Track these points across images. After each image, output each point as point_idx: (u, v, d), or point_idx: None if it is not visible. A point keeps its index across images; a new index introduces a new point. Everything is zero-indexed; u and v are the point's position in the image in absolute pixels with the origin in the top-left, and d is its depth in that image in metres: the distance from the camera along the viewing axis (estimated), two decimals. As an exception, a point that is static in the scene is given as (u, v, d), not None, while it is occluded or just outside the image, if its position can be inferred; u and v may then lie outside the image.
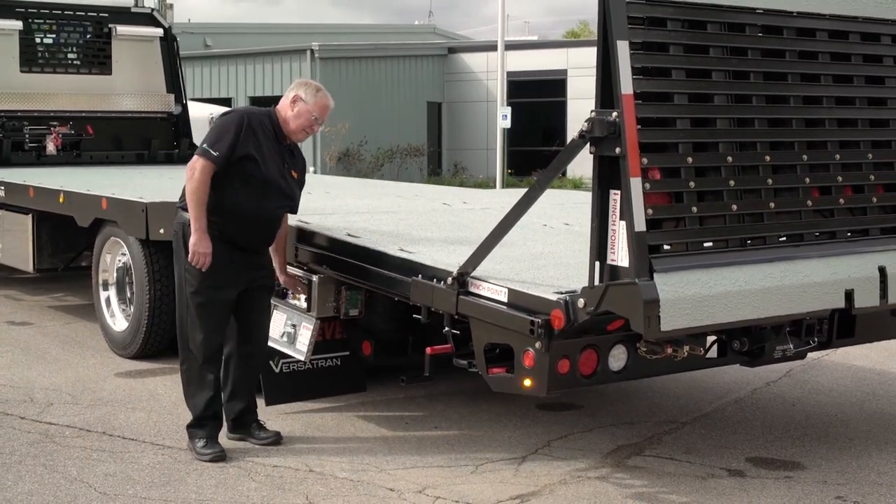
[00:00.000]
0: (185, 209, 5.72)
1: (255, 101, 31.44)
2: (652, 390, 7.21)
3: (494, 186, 31.36)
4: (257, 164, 5.66)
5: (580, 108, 32.94)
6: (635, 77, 4.48)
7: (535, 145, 35.08)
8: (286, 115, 5.78)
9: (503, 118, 28.86)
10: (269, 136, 5.74)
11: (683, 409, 6.87)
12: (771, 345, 5.41)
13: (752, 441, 6.17)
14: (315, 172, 30.06)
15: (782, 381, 7.56)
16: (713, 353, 5.62)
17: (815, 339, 5.60)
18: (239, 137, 5.61)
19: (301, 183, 6.02)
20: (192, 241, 5.58)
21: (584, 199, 6.31)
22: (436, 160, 36.28)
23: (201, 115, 16.40)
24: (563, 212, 7.49)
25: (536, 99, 34.68)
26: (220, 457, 5.68)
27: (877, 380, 7.68)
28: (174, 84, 12.89)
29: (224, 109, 19.31)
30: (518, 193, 9.18)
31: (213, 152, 5.57)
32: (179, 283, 5.81)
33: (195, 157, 5.61)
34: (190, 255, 5.59)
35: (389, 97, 34.08)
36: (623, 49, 4.41)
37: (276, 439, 5.95)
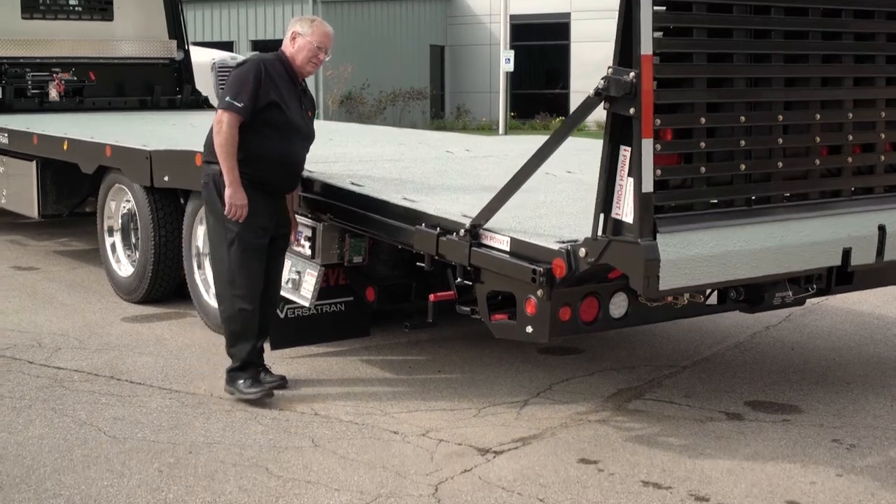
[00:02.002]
0: (212, 162, 5.75)
1: (256, 44, 31.29)
2: (653, 334, 7.28)
3: (497, 129, 31.32)
4: (281, 110, 5.72)
5: (583, 51, 32.83)
6: (655, 37, 4.47)
7: (538, 88, 34.99)
8: (290, 52, 5.82)
9: (506, 62, 28.76)
10: (285, 79, 5.80)
11: (683, 353, 6.95)
12: (770, 293, 5.49)
13: (750, 385, 6.26)
14: (318, 117, 29.95)
15: (782, 325, 7.64)
16: (713, 299, 5.69)
17: (814, 287, 5.66)
18: (260, 85, 5.65)
19: (313, 121, 6.11)
20: (227, 193, 5.62)
21: (587, 147, 6.35)
22: (438, 103, 36.18)
23: (203, 61, 16.34)
24: (566, 159, 7.50)
25: (540, 42, 34.53)
26: (269, 393, 5.78)
27: (875, 324, 7.75)
28: (176, 30, 12.86)
29: (225, 55, 19.28)
30: (520, 139, 9.18)
31: (237, 104, 5.60)
32: (217, 236, 5.81)
33: (220, 112, 5.63)
34: (227, 208, 5.63)
35: (392, 40, 33.91)
36: (646, 7, 4.38)
37: (282, 383, 6.03)
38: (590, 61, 31.79)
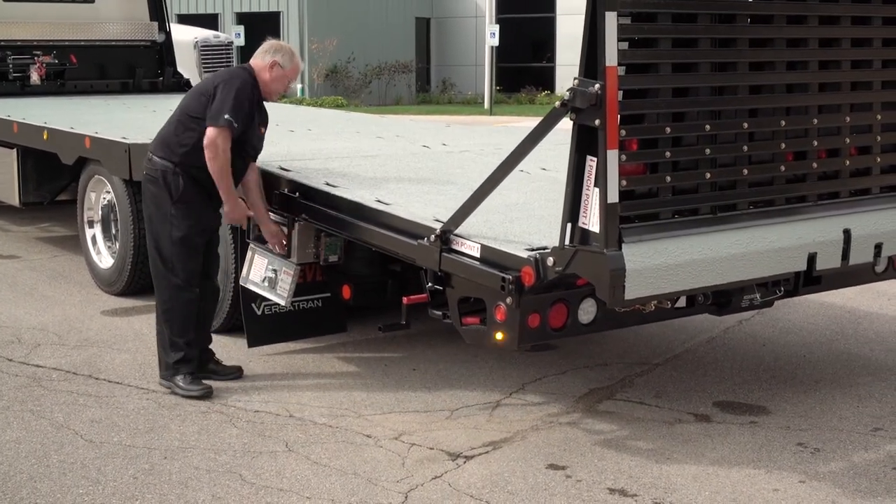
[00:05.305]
0: (158, 156, 5.95)
1: (242, 17, 31.14)
2: (627, 329, 7.31)
3: (483, 103, 31.34)
4: (250, 131, 5.94)
5: (569, 23, 32.76)
6: (620, 48, 4.51)
7: (524, 61, 34.95)
8: (265, 78, 5.99)
9: (491, 36, 28.74)
10: (258, 98, 5.99)
11: (656, 349, 7.04)
12: (738, 297, 5.58)
13: (720, 384, 6.35)
14: (303, 91, 29.91)
15: (755, 319, 7.73)
16: (681, 303, 5.76)
17: (782, 289, 5.75)
18: (252, 108, 5.89)
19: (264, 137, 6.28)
20: (227, 210, 5.93)
21: (563, 140, 6.39)
22: (424, 77, 36.13)
23: (185, 40, 16.31)
24: (541, 154, 7.54)
25: (525, 14, 34.46)
26: (209, 392, 5.94)
27: (847, 318, 7.85)
28: (157, 12, 12.85)
29: (207, 33, 19.16)
30: (496, 131, 9.18)
31: (236, 124, 5.77)
32: (157, 230, 5.99)
33: (216, 131, 5.74)
34: (228, 222, 6.10)
35: (377, 12, 33.80)
36: (611, 20, 4.42)
37: (237, 374, 6.26)
38: (576, 34, 31.67)
